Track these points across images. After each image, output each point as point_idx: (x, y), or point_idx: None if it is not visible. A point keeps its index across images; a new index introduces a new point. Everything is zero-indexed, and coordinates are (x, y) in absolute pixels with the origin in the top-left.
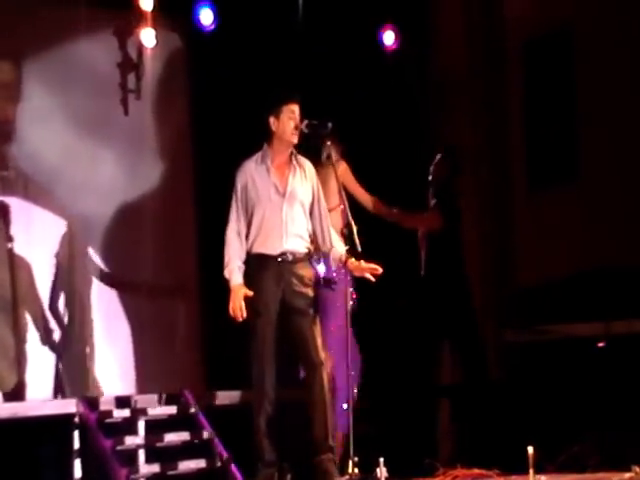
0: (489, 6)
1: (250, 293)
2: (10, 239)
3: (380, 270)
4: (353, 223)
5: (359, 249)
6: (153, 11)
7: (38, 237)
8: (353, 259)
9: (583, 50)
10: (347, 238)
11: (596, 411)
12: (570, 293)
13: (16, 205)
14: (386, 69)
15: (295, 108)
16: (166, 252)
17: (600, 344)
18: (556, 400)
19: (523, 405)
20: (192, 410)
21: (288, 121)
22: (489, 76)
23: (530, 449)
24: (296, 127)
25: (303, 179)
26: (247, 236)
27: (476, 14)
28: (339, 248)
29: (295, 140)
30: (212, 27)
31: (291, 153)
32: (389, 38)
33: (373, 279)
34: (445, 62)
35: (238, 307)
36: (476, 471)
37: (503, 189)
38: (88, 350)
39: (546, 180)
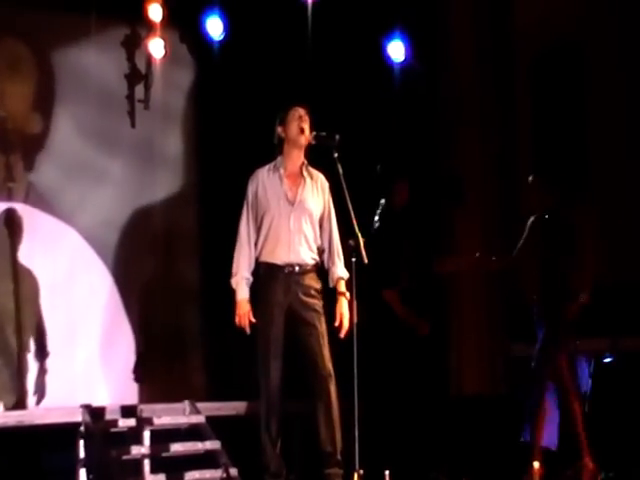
0: (498, 21)
1: (253, 320)
2: (15, 249)
3: (343, 333)
4: (360, 235)
5: (365, 261)
6: (162, 21)
7: (43, 247)
8: (346, 293)
9: (592, 64)
10: (353, 251)
11: (602, 426)
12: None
13: (21, 215)
14: (394, 82)
15: (298, 108)
16: (171, 262)
17: (607, 359)
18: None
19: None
20: (198, 420)
21: (292, 120)
22: (498, 90)
23: (536, 464)
24: (300, 118)
25: (315, 191)
26: (256, 243)
27: (485, 29)
28: (338, 271)
29: (302, 141)
30: (221, 38)
31: (302, 163)
32: (397, 51)
33: (341, 334)
34: (454, 77)
35: (245, 318)
36: None
37: (511, 203)
38: (90, 359)
39: None
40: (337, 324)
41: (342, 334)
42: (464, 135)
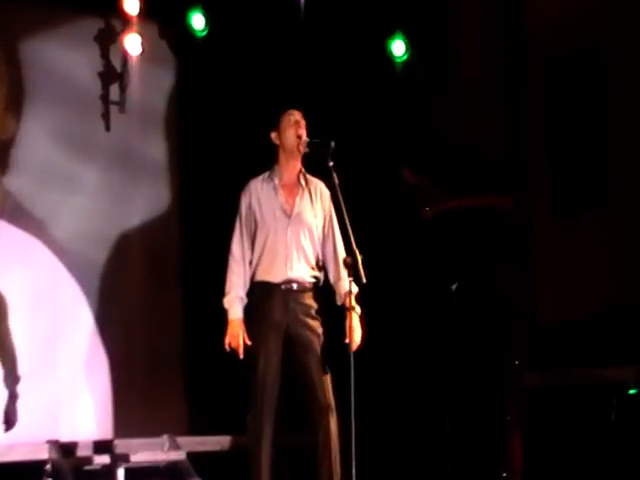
0: (510, 20)
1: (248, 342)
2: None
3: (354, 347)
4: (358, 252)
5: (364, 280)
6: (139, 15)
7: (13, 261)
8: (356, 307)
9: (610, 65)
10: (351, 269)
11: (621, 463)
12: (597, 333)
13: None
14: (396, 83)
15: (294, 112)
16: (150, 282)
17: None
18: (578, 450)
19: (541, 452)
20: (178, 456)
21: (288, 127)
22: (508, 93)
23: None
24: (297, 123)
25: (313, 201)
26: (250, 261)
27: (496, 29)
28: (346, 284)
29: (301, 148)
30: (204, 33)
31: (300, 171)
32: (399, 49)
33: (352, 349)
34: (462, 77)
35: (236, 339)
36: None
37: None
38: (63, 388)
39: (572, 208)
40: (347, 340)
41: (353, 348)
42: (472, 140)
